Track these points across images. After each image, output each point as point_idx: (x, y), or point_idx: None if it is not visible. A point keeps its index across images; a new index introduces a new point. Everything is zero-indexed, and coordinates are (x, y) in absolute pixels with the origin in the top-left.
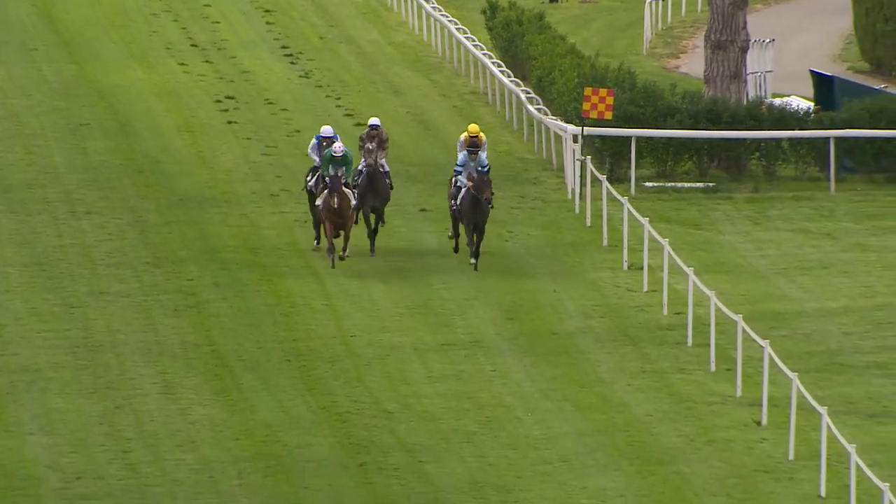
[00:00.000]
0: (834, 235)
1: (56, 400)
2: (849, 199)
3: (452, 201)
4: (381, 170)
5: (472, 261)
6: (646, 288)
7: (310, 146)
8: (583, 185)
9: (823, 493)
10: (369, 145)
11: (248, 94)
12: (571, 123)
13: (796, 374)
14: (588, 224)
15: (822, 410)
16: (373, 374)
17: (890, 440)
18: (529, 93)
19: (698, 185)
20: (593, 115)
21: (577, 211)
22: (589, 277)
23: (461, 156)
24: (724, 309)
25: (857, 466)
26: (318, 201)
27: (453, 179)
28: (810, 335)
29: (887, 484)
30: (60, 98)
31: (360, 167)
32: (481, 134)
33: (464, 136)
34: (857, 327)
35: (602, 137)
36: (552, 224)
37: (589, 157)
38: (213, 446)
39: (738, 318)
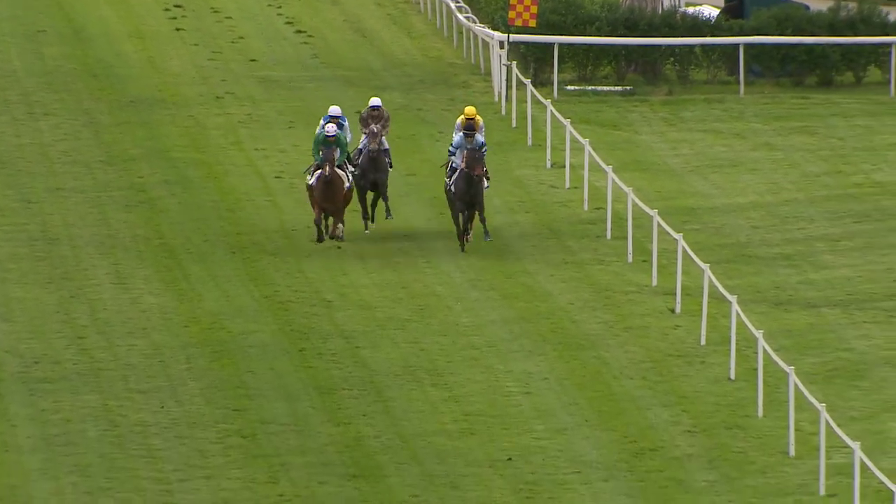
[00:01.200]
0: (743, 135)
1: (15, 289)
2: (757, 102)
3: (448, 183)
4: (382, 147)
5: (468, 237)
6: (568, 185)
7: (318, 127)
8: (509, 88)
9: (733, 376)
10: (374, 127)
11: (194, 3)
12: (498, 31)
13: (708, 265)
14: (514, 125)
15: (732, 299)
16: (312, 265)
17: (795, 326)
18: (459, 2)
19: (616, 88)
20: (518, 22)
21: (503, 113)
22: (514, 175)
23: (457, 138)
24: (640, 204)
25: (765, 351)
26: (311, 180)
27: (449, 158)
28: (721, 229)
29: (793, 367)
30: (19, 7)
31: (360, 147)
32: (478, 117)
33: (460, 118)
34: (765, 221)
35: (526, 44)
36: None
37: (514, 62)
38: (162, 333)
39: (653, 212)
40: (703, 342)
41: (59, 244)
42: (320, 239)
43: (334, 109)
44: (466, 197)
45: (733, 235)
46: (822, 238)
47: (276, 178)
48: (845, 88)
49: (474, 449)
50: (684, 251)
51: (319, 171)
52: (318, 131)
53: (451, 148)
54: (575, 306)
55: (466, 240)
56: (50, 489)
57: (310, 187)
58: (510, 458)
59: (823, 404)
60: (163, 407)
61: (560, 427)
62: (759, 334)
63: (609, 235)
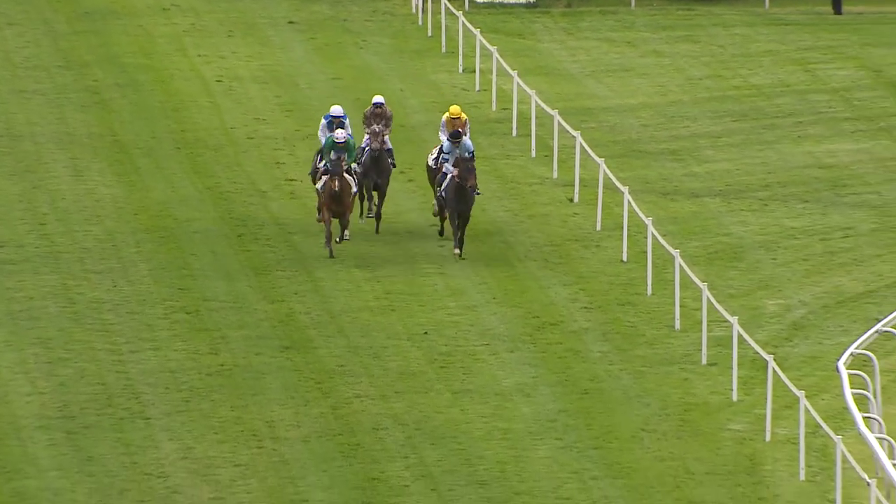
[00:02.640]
0: (634, 44)
1: None
2: (646, 13)
3: (439, 188)
4: (384, 147)
5: (456, 251)
6: (478, 88)
7: (319, 127)
8: (425, 1)
9: (625, 258)
10: (376, 127)
11: None
12: None
13: (603, 159)
14: (429, 34)
15: (624, 189)
16: (250, 160)
17: (680, 213)
18: None
19: (521, 1)
20: None
21: (420, 23)
22: (430, 79)
23: (446, 144)
24: (542, 105)
25: (653, 236)
26: (319, 185)
27: (439, 163)
28: (614, 127)
29: (678, 250)
30: None
31: (363, 145)
32: (463, 115)
33: (445, 116)
34: (653, 120)
35: None
36: (399, 34)
37: None
38: (115, 220)
39: (554, 112)
40: (598, 228)
41: (22, 140)
42: (329, 242)
43: (336, 109)
44: (457, 207)
45: (625, 133)
46: (704, 135)
47: (217, 81)
48: (726, 1)
49: (394, 323)
50: (582, 147)
51: (327, 178)
52: (321, 133)
53: (443, 155)
54: (484, 196)
55: (460, 252)
56: (14, 359)
57: (318, 192)
58: (426, 332)
59: (705, 283)
60: (115, 286)
61: (471, 304)
62: (648, 221)
63: (514, 133)
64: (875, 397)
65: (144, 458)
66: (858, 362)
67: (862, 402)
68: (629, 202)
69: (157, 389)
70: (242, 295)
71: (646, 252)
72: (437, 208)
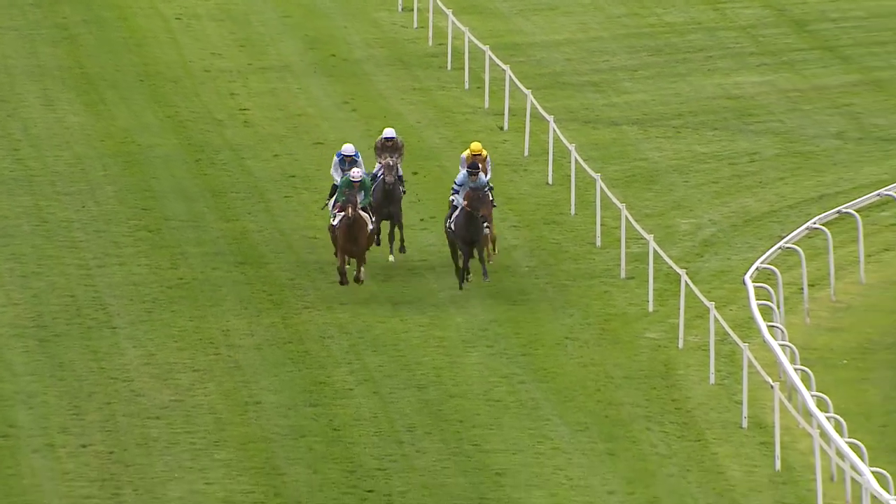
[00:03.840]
0: None
1: None
2: None
3: (448, 221)
4: (396, 175)
5: (469, 280)
6: (416, 25)
7: (332, 165)
8: None
9: (550, 181)
10: (390, 161)
11: None
12: None
13: (530, 90)
14: None
15: (550, 118)
16: (206, 91)
17: (601, 140)
18: None
19: None
20: None
21: None
22: (371, 17)
23: (460, 175)
24: (475, 41)
25: (576, 160)
26: (334, 222)
27: (452, 195)
28: (540, 61)
29: (599, 174)
30: None
31: (375, 172)
32: (484, 151)
33: (466, 153)
34: (576, 55)
35: None
36: None
37: None
38: (83, 146)
39: (485, 48)
40: (526, 154)
41: None
42: (343, 282)
43: (348, 148)
44: (467, 235)
45: (551, 66)
46: (622, 68)
47: (177, 19)
48: None
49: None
50: (511, 79)
51: (343, 213)
52: (334, 171)
53: (454, 185)
54: (422, 124)
55: (466, 279)
56: None
57: (332, 228)
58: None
59: (624, 204)
60: (84, 206)
61: (408, 223)
62: (571, 147)
63: (449, 67)
64: (778, 308)
65: (110, 363)
66: (763, 276)
67: (766, 312)
68: (554, 130)
69: (122, 301)
70: (200, 215)
71: (569, 175)
72: (451, 251)
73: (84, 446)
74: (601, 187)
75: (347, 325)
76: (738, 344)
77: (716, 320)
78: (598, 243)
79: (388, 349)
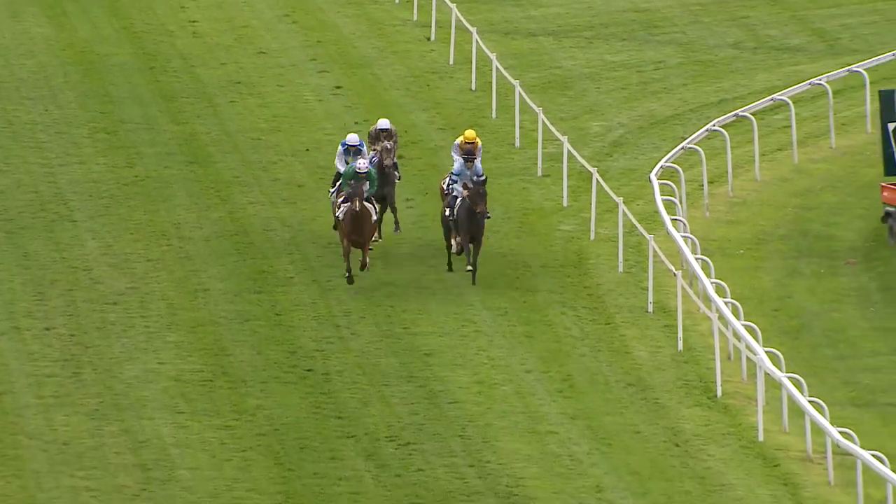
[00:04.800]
0: None
1: None
2: None
3: (448, 210)
4: (392, 160)
5: (469, 268)
6: None
7: (336, 154)
8: None
9: (474, 88)
10: (387, 144)
11: None
12: None
13: (455, 4)
14: None
15: (473, 30)
16: (159, 4)
17: (519, 50)
18: None
19: None
20: None
21: None
22: None
23: (457, 164)
24: None
25: (497, 68)
26: (339, 213)
27: (450, 186)
28: None
29: (518, 81)
30: None
31: (371, 157)
32: (477, 140)
33: (459, 139)
34: None
35: None
36: None
37: None
38: (46, 55)
39: None
40: (451, 62)
41: None
42: (350, 275)
43: (352, 138)
44: (468, 231)
45: None
46: None
47: None
48: None
49: (281, 142)
50: None
51: (348, 205)
52: (338, 160)
53: (451, 176)
54: (355, 35)
55: (470, 264)
56: None
57: (338, 220)
58: (308, 150)
59: (540, 108)
60: (46, 110)
61: (343, 126)
62: (493, 56)
63: None
64: (681, 203)
65: (71, 254)
66: (667, 174)
67: (670, 207)
68: (477, 41)
69: (82, 197)
70: (153, 118)
71: (491, 82)
72: (445, 233)
73: (47, 329)
74: (520, 93)
75: (288, 219)
76: (644, 235)
77: (624, 214)
78: (517, 144)
79: (325, 240)
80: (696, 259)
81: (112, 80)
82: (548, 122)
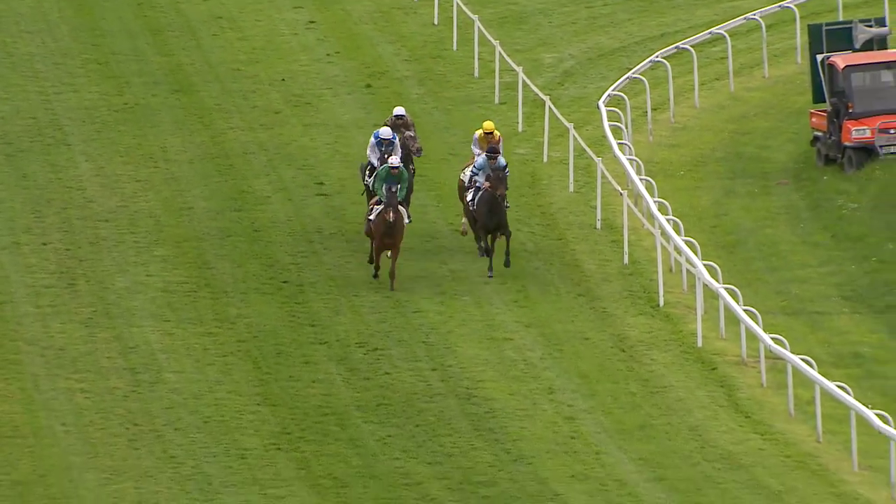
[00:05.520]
0: None
1: None
2: None
3: (470, 202)
4: (416, 146)
5: (490, 274)
6: None
7: (368, 146)
8: None
9: (437, 22)
10: (409, 133)
11: None
12: None
13: None
14: None
15: None
16: None
17: None
18: None
19: None
20: None
21: None
22: None
23: (480, 159)
24: None
25: (458, 5)
26: (371, 216)
27: (472, 178)
28: None
29: (477, 16)
30: None
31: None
32: (496, 132)
33: (478, 132)
34: None
35: None
36: None
37: None
38: None
39: None
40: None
41: None
42: (376, 276)
43: (385, 132)
44: (491, 222)
45: None
46: None
47: None
48: None
49: (259, 73)
50: None
51: (380, 209)
52: (370, 152)
53: (473, 169)
54: None
55: (491, 260)
56: None
57: (370, 223)
58: (283, 79)
59: (498, 41)
60: (43, 42)
61: (316, 58)
62: None
63: None
64: (627, 128)
65: (66, 175)
66: (614, 101)
67: (616, 132)
68: None
69: (76, 122)
70: (141, 50)
71: (452, 17)
72: (465, 226)
73: (45, 244)
74: (478, 27)
75: (266, 143)
76: (592, 158)
77: (574, 139)
78: (476, 74)
79: (300, 163)
80: (641, 180)
81: (103, 15)
82: (504, 54)
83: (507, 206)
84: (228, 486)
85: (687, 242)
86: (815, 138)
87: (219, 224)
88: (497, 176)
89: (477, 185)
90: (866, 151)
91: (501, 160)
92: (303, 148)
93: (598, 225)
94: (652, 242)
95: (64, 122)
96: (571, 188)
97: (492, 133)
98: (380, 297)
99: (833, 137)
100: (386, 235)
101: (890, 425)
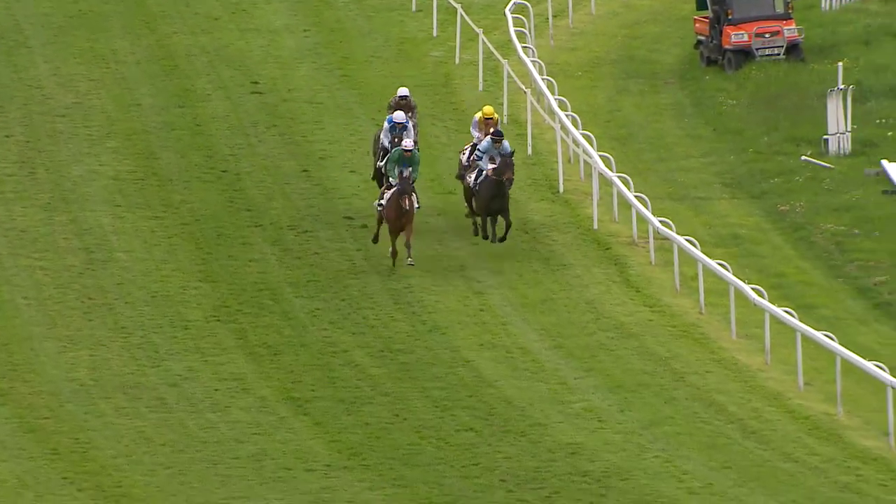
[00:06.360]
0: None
1: None
2: None
3: (472, 184)
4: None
5: (496, 241)
6: None
7: (382, 130)
8: None
9: None
10: (413, 120)
11: None
12: None
13: None
14: None
15: None
16: None
17: None
18: None
19: None
20: None
21: None
22: None
23: (485, 142)
24: None
25: None
26: (383, 200)
27: (470, 156)
28: None
29: None
30: None
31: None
32: (496, 115)
33: (478, 115)
34: None
35: None
36: None
37: None
38: None
39: None
40: None
41: None
42: (394, 254)
43: (399, 115)
44: (493, 205)
45: None
46: None
47: None
48: None
49: None
50: None
51: (391, 194)
52: (384, 136)
53: (478, 152)
54: None
55: (494, 233)
56: None
57: (381, 206)
58: None
59: None
60: None
61: None
62: None
63: None
64: (530, 33)
65: (27, 74)
66: (519, 9)
67: (521, 36)
68: None
69: (35, 27)
70: None
71: None
72: (468, 208)
73: (7, 136)
74: None
75: (206, 46)
76: (500, 60)
77: (483, 43)
78: None
79: (237, 63)
80: (543, 80)
81: None
82: None
83: (509, 187)
84: (173, 353)
85: (584, 136)
86: (699, 42)
87: (164, 119)
88: (504, 161)
89: (480, 168)
90: (744, 54)
91: (506, 144)
92: (239, 50)
93: (505, 119)
94: (553, 136)
95: (24, 26)
96: (481, 87)
97: (491, 118)
98: (309, 184)
99: (714, 41)
100: (398, 220)
101: (764, 298)
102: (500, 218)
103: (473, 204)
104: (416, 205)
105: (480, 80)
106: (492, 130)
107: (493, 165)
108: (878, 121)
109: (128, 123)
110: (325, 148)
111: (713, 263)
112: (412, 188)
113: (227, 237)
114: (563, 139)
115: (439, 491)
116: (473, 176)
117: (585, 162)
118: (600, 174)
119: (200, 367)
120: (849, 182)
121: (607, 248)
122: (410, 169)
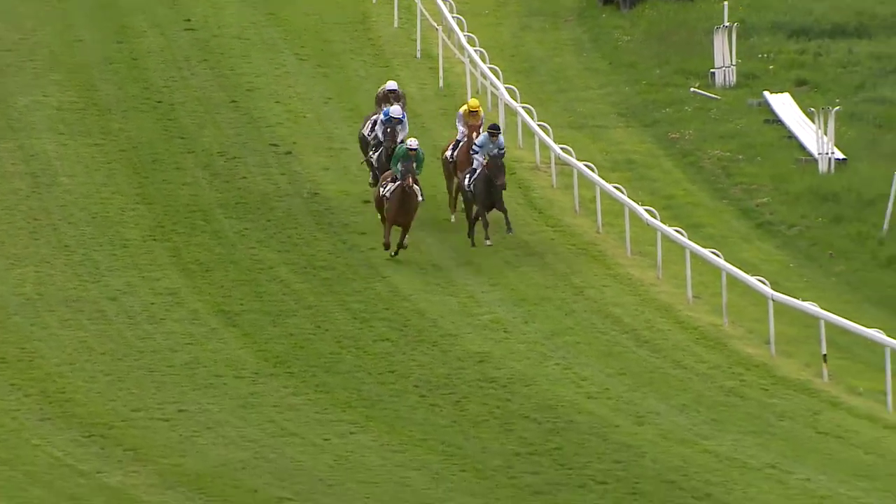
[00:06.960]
0: None
1: None
2: None
3: (467, 181)
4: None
5: (488, 242)
6: None
7: (370, 122)
8: None
9: None
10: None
11: None
12: None
13: None
14: None
15: None
16: None
17: None
18: None
19: None
20: None
21: None
22: None
23: (482, 137)
24: None
25: None
26: (386, 191)
27: (468, 155)
28: None
29: None
30: None
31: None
32: (480, 109)
33: (463, 108)
34: None
35: None
36: None
37: None
38: None
39: None
40: None
41: None
42: (389, 248)
43: (395, 110)
44: (487, 201)
45: None
46: None
47: None
48: None
49: None
50: None
51: (395, 184)
52: (378, 129)
53: (474, 146)
54: None
55: (487, 237)
56: None
57: (383, 198)
58: None
59: None
60: None
61: None
62: None
63: None
64: None
65: None
66: None
67: None
68: None
69: None
70: None
71: None
72: (454, 204)
73: None
74: None
75: None
76: None
77: None
78: None
79: (171, 2)
80: (453, 17)
81: None
82: None
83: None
84: (113, 270)
85: (491, 69)
86: None
87: (103, 53)
88: (496, 164)
89: (475, 165)
90: None
91: (501, 140)
92: None
93: (419, 55)
94: (462, 69)
95: None
96: (396, 24)
97: (476, 110)
98: (238, 114)
99: None
100: (400, 213)
101: (656, 219)
102: (499, 216)
103: (463, 199)
104: (419, 197)
105: (396, 17)
106: (490, 125)
107: (488, 164)
108: (760, 55)
109: (70, 58)
110: (252, 80)
111: (609, 187)
112: (414, 178)
113: (162, 162)
114: (471, 72)
115: (358, 396)
116: (468, 177)
117: (493, 93)
118: (506, 104)
119: (138, 282)
120: (733, 112)
121: (512, 173)
122: (414, 165)
